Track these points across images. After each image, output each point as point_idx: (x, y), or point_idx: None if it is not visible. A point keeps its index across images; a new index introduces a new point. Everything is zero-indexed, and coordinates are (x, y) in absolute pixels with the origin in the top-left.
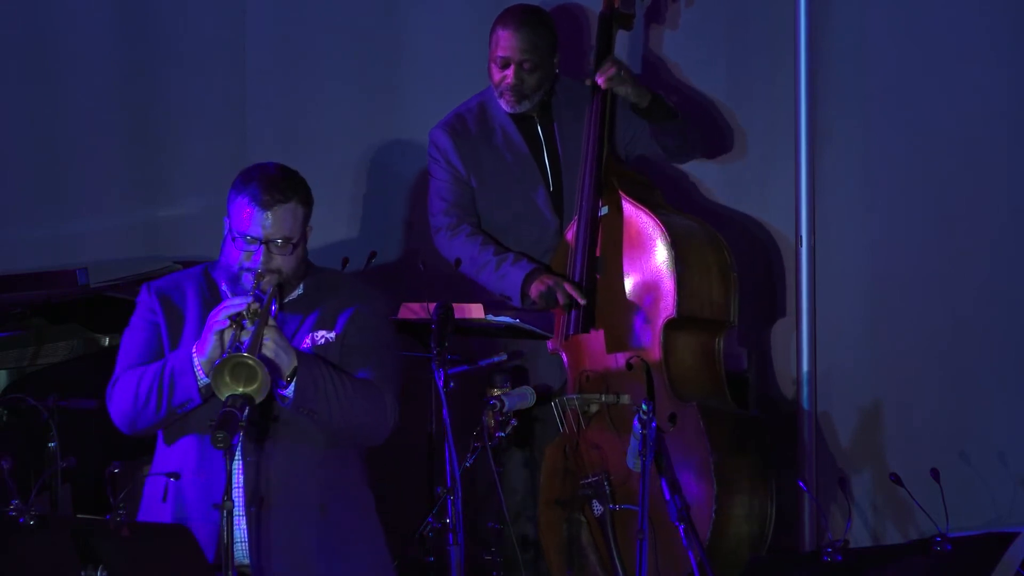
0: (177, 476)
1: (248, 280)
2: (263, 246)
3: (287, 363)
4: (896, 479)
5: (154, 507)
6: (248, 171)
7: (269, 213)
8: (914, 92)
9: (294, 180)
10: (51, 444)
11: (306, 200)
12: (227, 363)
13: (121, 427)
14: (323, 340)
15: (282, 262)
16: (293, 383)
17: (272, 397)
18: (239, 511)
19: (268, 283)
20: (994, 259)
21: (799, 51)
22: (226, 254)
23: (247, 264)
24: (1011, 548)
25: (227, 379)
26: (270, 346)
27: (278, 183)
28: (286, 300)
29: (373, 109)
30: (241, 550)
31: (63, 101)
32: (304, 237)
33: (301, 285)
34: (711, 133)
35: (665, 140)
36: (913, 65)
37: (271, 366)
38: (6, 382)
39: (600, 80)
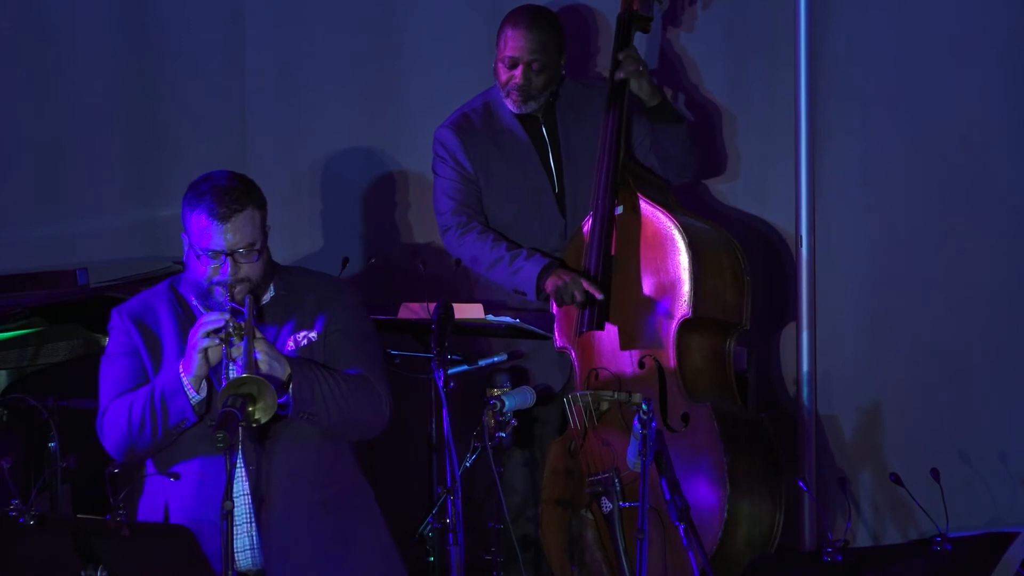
0: (177, 476)
1: (220, 293)
2: (228, 258)
3: (281, 372)
4: (896, 479)
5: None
6: (197, 185)
7: (228, 225)
8: (914, 92)
9: (246, 186)
10: (51, 444)
11: (261, 203)
12: (231, 386)
13: (117, 457)
14: (305, 341)
15: (249, 270)
16: (289, 390)
17: None
18: (249, 518)
19: (241, 293)
20: (994, 259)
21: (799, 51)
22: (192, 270)
23: (216, 278)
24: (1011, 548)
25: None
26: (263, 359)
27: (231, 192)
28: (259, 305)
29: (372, 109)
30: (251, 556)
31: (63, 101)
32: (266, 239)
33: (271, 287)
34: (710, 152)
35: (667, 144)
36: (913, 65)
37: (267, 379)
38: (6, 382)
39: (620, 72)
